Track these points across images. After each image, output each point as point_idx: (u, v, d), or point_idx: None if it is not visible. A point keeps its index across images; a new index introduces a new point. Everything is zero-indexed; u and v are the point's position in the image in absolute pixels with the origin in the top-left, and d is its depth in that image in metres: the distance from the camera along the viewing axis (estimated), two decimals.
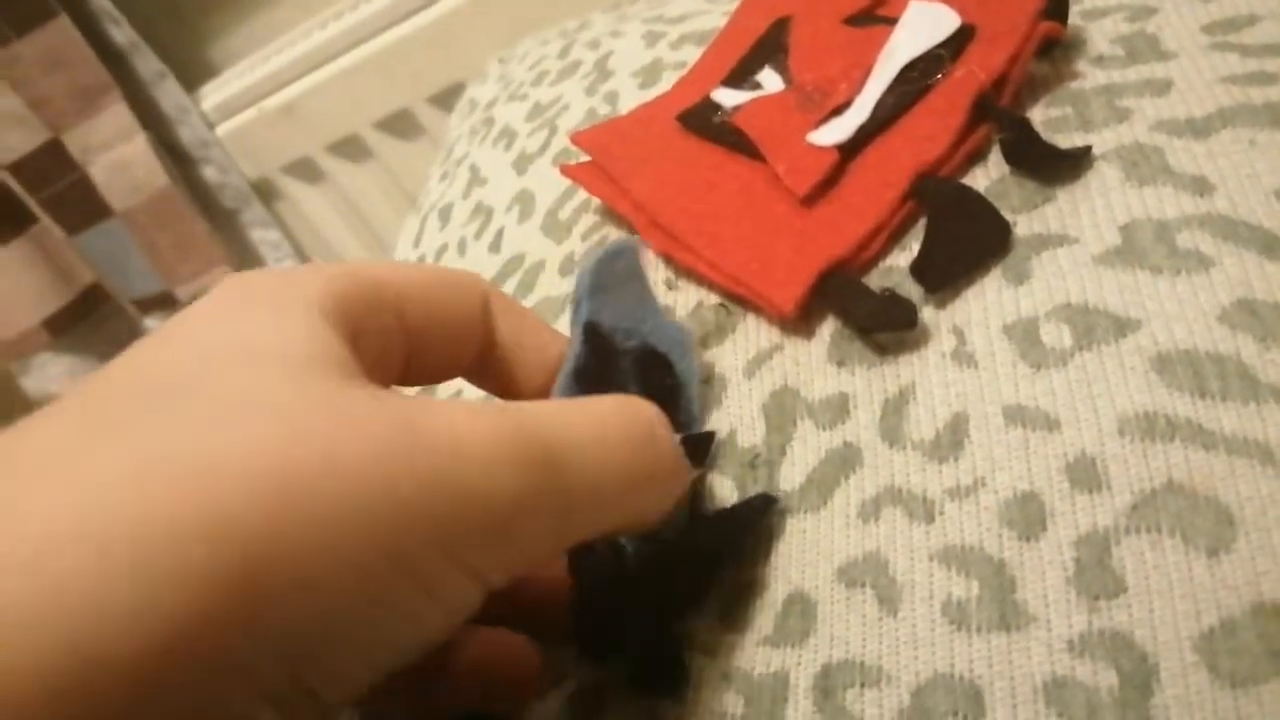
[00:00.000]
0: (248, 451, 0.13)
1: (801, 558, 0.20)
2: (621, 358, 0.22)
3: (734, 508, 0.21)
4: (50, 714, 0.11)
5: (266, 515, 0.13)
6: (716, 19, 0.37)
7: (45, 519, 0.12)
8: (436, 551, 0.14)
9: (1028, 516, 0.19)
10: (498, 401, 0.18)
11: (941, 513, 0.19)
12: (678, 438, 0.19)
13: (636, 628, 0.20)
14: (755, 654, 0.20)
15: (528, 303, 0.31)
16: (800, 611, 0.20)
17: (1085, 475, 0.19)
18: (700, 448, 0.21)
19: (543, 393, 0.22)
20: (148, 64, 0.70)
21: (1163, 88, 0.25)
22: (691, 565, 0.20)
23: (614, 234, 0.30)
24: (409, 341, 0.19)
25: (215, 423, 0.13)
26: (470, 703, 0.20)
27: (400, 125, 0.74)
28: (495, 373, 0.21)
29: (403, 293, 0.19)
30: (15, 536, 0.12)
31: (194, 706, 0.13)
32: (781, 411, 0.23)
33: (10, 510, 0.12)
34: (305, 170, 0.80)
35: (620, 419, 0.18)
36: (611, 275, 0.22)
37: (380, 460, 0.14)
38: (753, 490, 0.22)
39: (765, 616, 0.20)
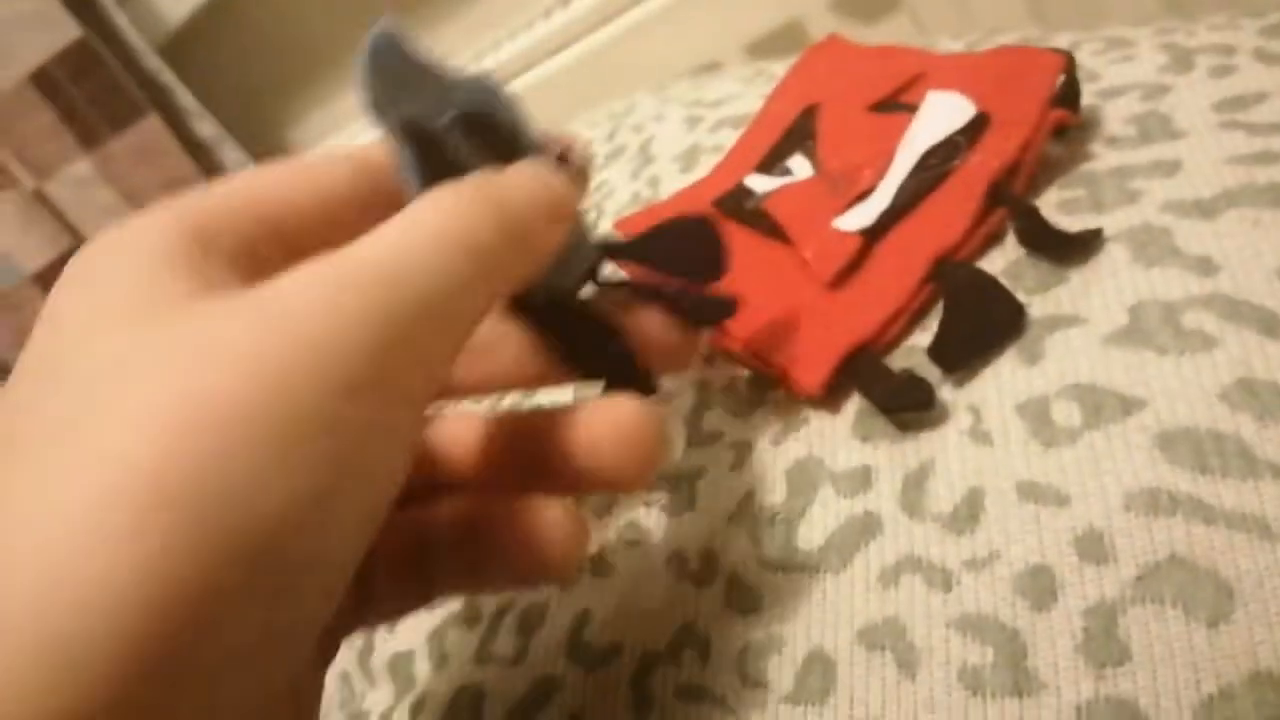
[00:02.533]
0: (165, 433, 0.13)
1: (822, 618, 0.22)
2: (447, 138, 0.20)
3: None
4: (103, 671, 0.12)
5: (214, 463, 0.13)
6: (752, 101, 0.39)
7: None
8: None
9: (1039, 587, 0.20)
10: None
11: (959, 582, 0.21)
12: (547, 163, 0.20)
13: (601, 350, 0.22)
14: (777, 712, 0.21)
15: None
16: (821, 671, 0.21)
17: (1093, 548, 0.20)
18: (580, 166, 0.22)
19: None
20: (233, 155, 0.75)
21: (1172, 169, 0.26)
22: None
23: None
24: (286, 244, 0.19)
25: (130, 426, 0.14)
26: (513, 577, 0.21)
27: None
28: None
29: (260, 199, 0.19)
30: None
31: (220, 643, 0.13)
32: (804, 477, 0.24)
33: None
34: None
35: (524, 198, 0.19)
36: (387, 74, 0.20)
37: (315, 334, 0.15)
38: (769, 545, 0.23)
39: (785, 674, 0.21)
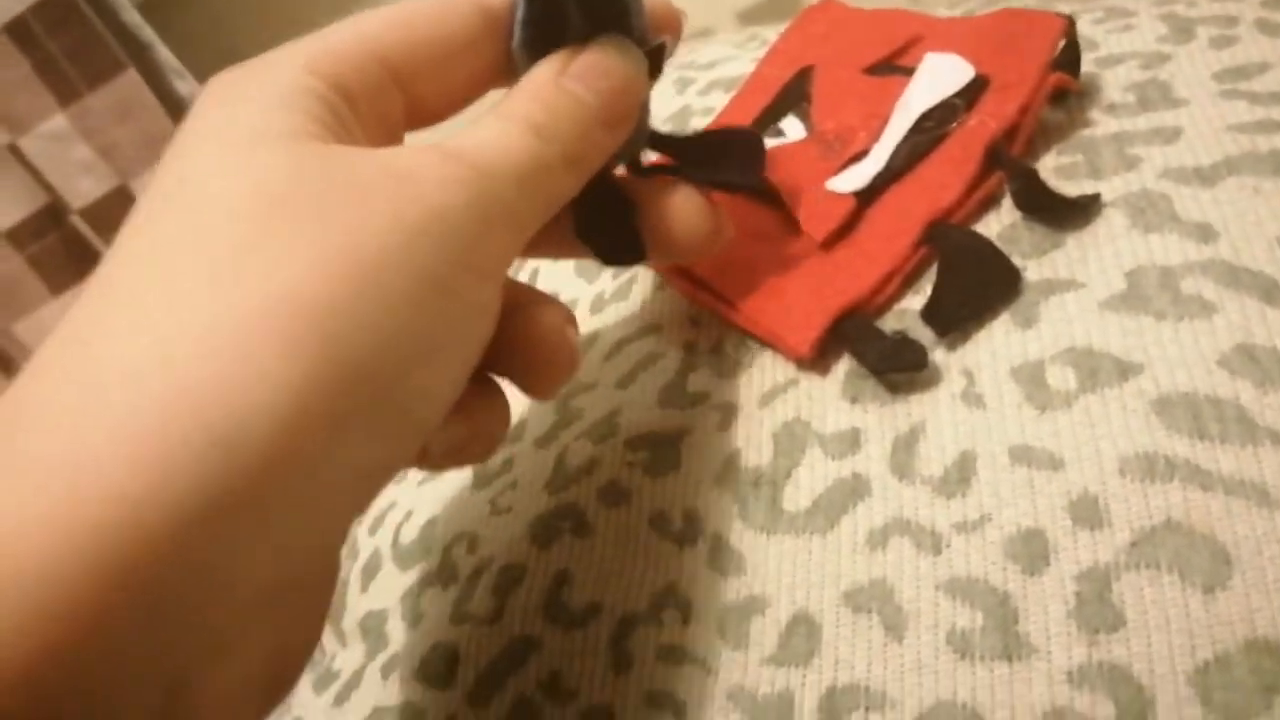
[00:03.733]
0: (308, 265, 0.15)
1: (807, 579, 0.21)
2: (566, 2, 0.21)
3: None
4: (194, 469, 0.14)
5: (346, 298, 0.15)
6: (744, 65, 0.38)
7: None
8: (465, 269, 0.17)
9: (1031, 551, 0.19)
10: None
11: (948, 545, 0.20)
12: (640, 53, 0.21)
13: (609, 218, 0.23)
14: (759, 673, 0.20)
15: None
16: (805, 632, 0.21)
17: (1087, 513, 0.19)
18: (656, 60, 0.22)
19: None
20: None
21: (1172, 135, 0.26)
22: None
23: (643, 273, 0.32)
24: (403, 86, 0.20)
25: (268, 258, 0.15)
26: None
27: None
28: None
29: (382, 41, 0.19)
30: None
31: (323, 456, 0.15)
32: (791, 439, 0.24)
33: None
34: None
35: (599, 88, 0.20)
36: None
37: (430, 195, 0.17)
38: (754, 506, 0.23)
39: (769, 635, 0.21)
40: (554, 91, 0.20)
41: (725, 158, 0.24)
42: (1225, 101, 0.26)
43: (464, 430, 0.20)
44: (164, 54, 0.70)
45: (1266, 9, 0.30)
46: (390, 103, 0.20)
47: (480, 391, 0.21)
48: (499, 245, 0.18)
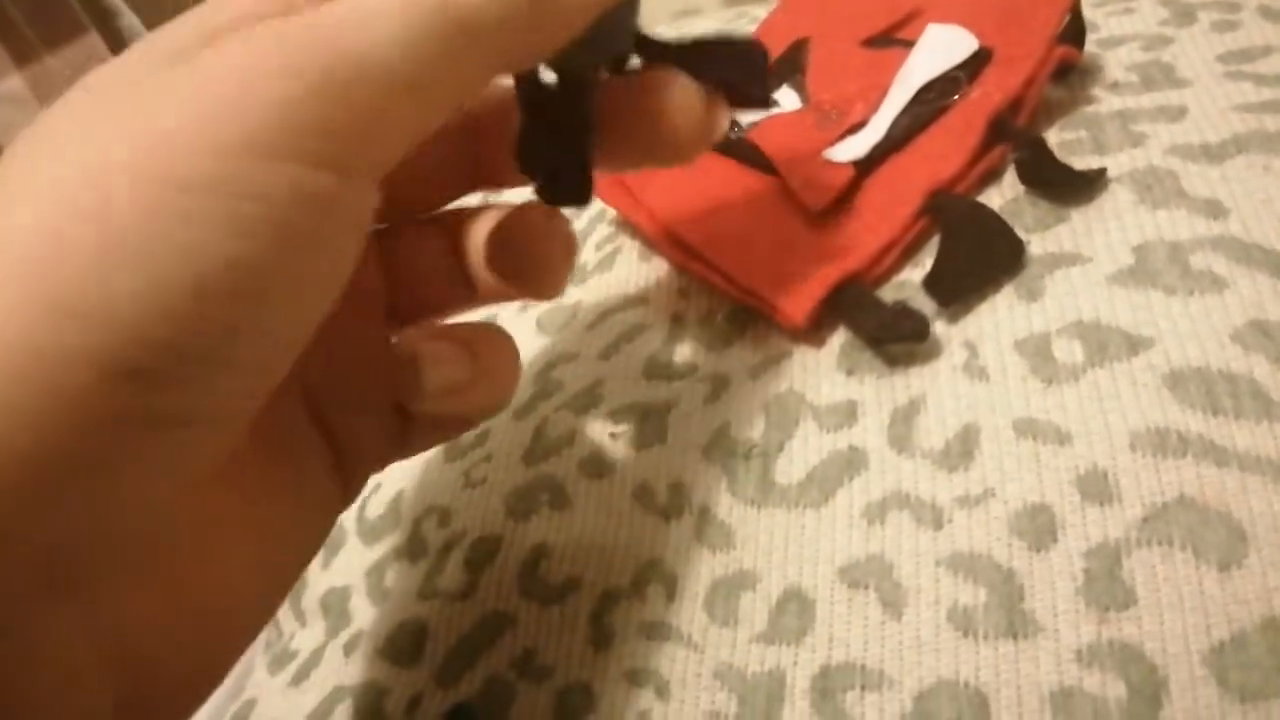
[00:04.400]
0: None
1: (799, 554, 0.20)
2: None
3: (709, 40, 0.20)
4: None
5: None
6: None
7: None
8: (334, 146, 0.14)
9: (1038, 527, 0.19)
10: None
11: (950, 520, 0.19)
12: None
13: (560, 141, 0.19)
14: (749, 651, 0.19)
15: (538, 310, 0.31)
16: (797, 609, 0.19)
17: (1096, 488, 0.19)
18: None
19: None
20: None
21: (1177, 114, 0.25)
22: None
23: (628, 244, 0.30)
24: None
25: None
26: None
27: None
28: None
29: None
30: None
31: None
32: (784, 411, 0.23)
33: None
34: None
35: None
36: None
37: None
38: (744, 479, 0.22)
39: (759, 612, 0.20)
40: None
41: (727, 64, 0.21)
42: (1230, 82, 0.26)
43: (463, 366, 0.18)
44: (131, 20, 0.68)
45: None
46: None
47: (484, 332, 0.19)
48: (333, 134, 0.14)
